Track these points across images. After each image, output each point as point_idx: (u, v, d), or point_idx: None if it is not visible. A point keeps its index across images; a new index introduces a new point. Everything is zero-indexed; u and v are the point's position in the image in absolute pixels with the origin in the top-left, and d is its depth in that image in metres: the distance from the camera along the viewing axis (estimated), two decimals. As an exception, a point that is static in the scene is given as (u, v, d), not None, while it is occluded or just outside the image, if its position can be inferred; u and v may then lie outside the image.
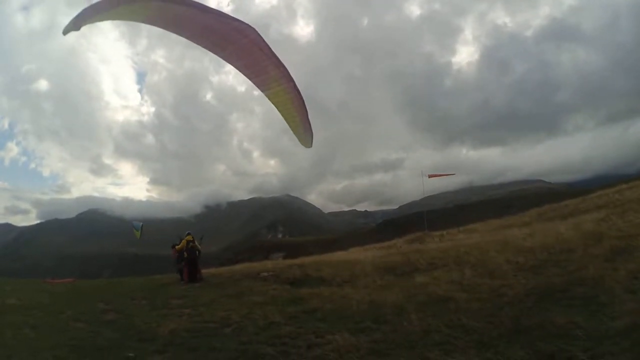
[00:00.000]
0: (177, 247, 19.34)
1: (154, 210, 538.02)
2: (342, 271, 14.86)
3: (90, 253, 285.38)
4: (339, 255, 23.41)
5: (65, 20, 6.40)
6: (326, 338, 7.00)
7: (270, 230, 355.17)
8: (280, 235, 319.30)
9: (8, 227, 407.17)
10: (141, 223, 31.01)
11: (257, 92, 10.01)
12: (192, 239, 19.24)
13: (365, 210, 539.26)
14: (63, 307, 13.08)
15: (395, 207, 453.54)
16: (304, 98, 9.79)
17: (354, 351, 6.13)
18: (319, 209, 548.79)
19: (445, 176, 43.44)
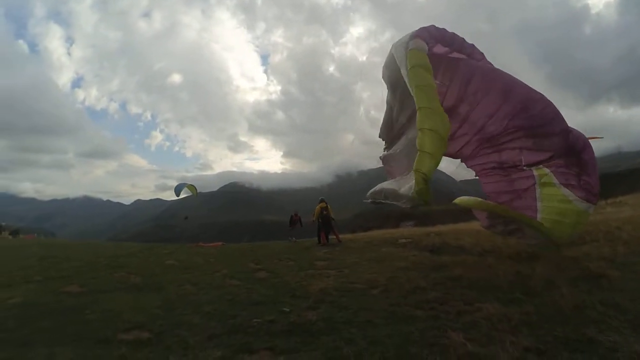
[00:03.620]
0: (314, 215, 20.89)
1: (288, 181, 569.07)
2: (483, 241, 14.60)
3: (230, 221, 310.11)
4: (477, 224, 22.97)
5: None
6: (475, 306, 6.91)
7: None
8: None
9: (159, 201, 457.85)
10: (186, 183, 31.34)
11: (378, 59, 10.11)
12: (325, 206, 20.52)
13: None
14: (217, 266, 14.25)
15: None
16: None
17: (505, 321, 6.05)
18: (451, 177, 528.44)
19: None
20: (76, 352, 5.67)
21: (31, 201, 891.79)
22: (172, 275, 12.50)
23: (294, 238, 23.67)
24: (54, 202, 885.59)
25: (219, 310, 7.89)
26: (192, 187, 30.86)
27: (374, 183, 11.02)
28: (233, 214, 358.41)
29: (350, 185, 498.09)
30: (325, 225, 20.49)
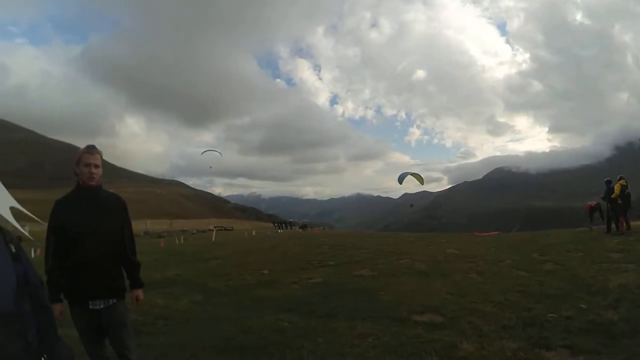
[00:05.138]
0: (612, 195, 17.14)
1: (558, 160, 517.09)
2: None
3: (499, 209, 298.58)
4: None
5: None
6: None
7: None
8: None
9: (425, 193, 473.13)
10: (409, 172, 29.20)
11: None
12: (625, 184, 17.13)
13: None
14: (500, 256, 13.92)
15: None
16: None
17: None
18: None
19: None
20: (375, 327, 6.21)
21: (312, 202, 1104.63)
22: (455, 264, 12.68)
23: (591, 226, 20.99)
24: (331, 200, 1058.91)
25: (511, 301, 7.66)
26: (416, 176, 31.34)
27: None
28: (501, 201, 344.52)
29: (635, 158, 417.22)
30: (623, 207, 17.12)
